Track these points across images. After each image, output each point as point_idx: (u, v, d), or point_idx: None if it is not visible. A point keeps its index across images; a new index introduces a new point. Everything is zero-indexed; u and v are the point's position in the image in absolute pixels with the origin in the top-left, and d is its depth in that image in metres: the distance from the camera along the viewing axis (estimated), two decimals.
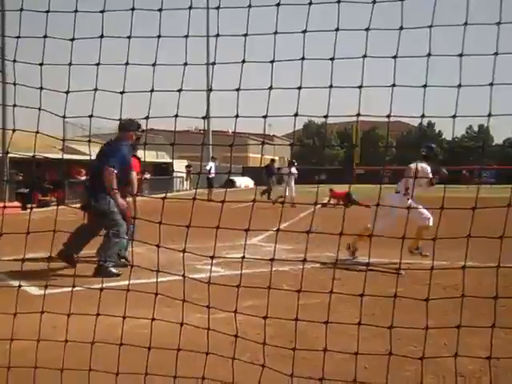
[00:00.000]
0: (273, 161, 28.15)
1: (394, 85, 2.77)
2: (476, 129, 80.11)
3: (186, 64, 2.94)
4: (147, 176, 30.33)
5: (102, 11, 2.94)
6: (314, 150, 73.63)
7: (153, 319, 3.30)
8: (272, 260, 3.43)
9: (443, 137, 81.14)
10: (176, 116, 3.10)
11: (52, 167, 21.07)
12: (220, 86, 3.17)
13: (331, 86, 2.77)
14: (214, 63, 2.95)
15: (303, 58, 2.80)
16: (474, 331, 3.68)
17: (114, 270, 7.28)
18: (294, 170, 23.85)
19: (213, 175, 25.97)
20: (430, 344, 3.72)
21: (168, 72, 3.08)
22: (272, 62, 2.85)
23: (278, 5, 2.74)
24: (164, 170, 36.42)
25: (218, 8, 2.87)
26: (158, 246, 3.61)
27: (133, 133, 7.73)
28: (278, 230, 3.63)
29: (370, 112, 2.89)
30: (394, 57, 2.73)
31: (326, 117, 2.88)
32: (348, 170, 54.95)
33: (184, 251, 3.23)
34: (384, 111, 2.88)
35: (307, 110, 3.11)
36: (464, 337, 3.98)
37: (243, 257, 3.36)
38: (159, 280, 6.41)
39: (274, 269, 3.38)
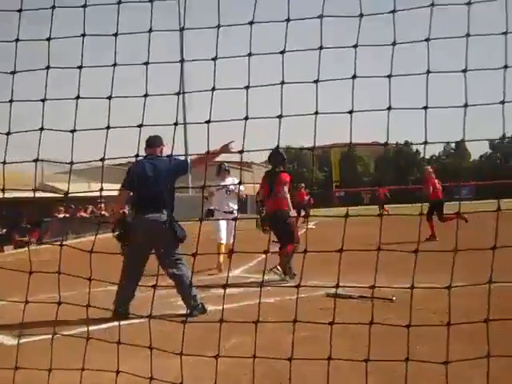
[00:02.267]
0: None
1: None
2: (453, 145, 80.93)
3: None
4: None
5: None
6: (295, 174, 73.79)
7: (118, 371, 3.08)
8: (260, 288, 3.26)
9: (421, 156, 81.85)
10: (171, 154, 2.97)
11: (29, 207, 20.72)
12: (199, 114, 3.05)
13: (317, 113, 2.61)
14: (183, 92, 2.83)
15: (283, 83, 2.66)
16: (473, 361, 3.53)
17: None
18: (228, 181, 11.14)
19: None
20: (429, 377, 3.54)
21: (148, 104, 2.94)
22: (247, 87, 2.70)
23: (251, 23, 2.64)
24: None
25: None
26: (154, 286, 3.43)
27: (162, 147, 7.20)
28: (265, 251, 3.44)
29: (348, 134, 2.77)
30: (389, 76, 2.61)
31: (312, 149, 2.75)
32: (328, 192, 55.12)
33: (155, 286, 3.05)
34: (361, 132, 2.78)
35: (285, 135, 3.00)
36: (464, 370, 3.81)
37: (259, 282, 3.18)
38: (136, 322, 6.18)
39: (258, 301, 3.20)
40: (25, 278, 3.24)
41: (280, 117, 2.59)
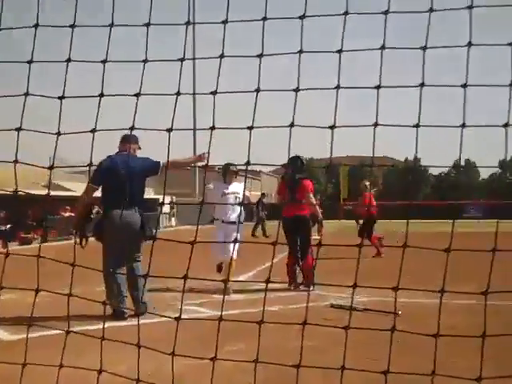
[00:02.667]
0: (263, 195, 28.10)
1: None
2: (463, 163, 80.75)
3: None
4: None
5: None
6: None
7: (138, 379, 2.98)
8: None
9: (429, 172, 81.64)
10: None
11: (35, 204, 20.67)
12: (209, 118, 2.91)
13: (338, 87, 2.38)
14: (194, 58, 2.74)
15: (301, 51, 2.43)
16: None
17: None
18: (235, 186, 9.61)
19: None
20: None
21: (157, 108, 2.84)
22: (260, 55, 2.47)
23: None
24: (150, 205, 36.16)
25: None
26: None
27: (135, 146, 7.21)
28: (271, 265, 3.30)
29: (358, 147, 2.67)
30: (423, 48, 2.47)
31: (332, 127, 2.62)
32: (336, 205, 54.96)
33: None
34: (371, 147, 2.67)
35: (295, 146, 2.88)
36: None
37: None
38: (135, 323, 6.09)
39: (261, 308, 3.08)
40: (23, 274, 3.15)
41: (296, 90, 2.37)
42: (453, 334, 4.49)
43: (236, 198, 8.89)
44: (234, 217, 8.67)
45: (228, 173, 9.07)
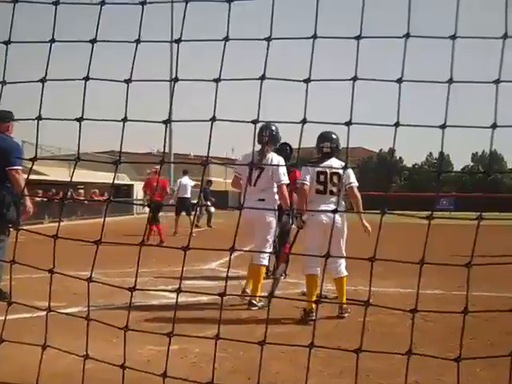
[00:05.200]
0: (209, 182, 24.06)
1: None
2: (436, 155, 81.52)
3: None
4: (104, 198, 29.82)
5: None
6: None
7: (86, 356, 2.92)
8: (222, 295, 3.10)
9: (404, 163, 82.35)
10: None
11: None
12: (183, 105, 2.85)
13: (308, 81, 2.27)
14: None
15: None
16: (447, 367, 3.46)
17: None
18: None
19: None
20: (399, 382, 3.45)
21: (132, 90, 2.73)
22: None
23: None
24: (124, 191, 35.97)
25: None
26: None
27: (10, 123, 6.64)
28: (231, 248, 3.21)
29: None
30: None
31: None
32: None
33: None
34: (345, 137, 2.61)
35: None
36: (437, 373, 3.74)
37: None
38: (106, 306, 6.03)
39: (232, 294, 3.05)
40: None
41: (263, 78, 2.17)
42: (422, 321, 4.54)
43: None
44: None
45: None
